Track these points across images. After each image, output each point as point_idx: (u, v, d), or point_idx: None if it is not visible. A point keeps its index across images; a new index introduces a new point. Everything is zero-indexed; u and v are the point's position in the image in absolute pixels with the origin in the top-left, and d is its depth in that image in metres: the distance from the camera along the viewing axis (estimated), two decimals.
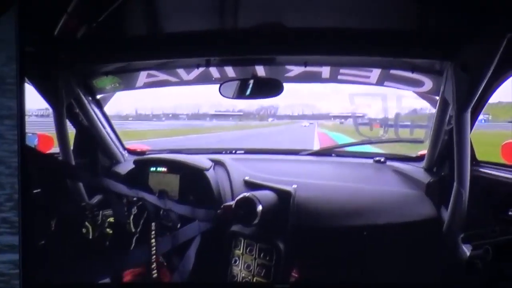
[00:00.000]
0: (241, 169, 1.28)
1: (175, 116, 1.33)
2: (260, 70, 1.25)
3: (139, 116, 1.32)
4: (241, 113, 1.38)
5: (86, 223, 1.20)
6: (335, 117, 1.34)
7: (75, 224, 1.19)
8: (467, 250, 1.13)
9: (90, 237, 1.19)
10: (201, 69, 1.24)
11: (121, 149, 1.29)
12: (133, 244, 1.21)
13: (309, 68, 1.24)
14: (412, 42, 1.18)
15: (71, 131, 1.25)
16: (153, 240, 1.19)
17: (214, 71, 1.25)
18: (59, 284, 1.15)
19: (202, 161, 1.28)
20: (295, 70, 1.25)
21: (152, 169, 1.26)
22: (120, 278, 1.21)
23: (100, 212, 1.21)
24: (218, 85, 1.25)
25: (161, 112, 1.33)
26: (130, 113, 1.32)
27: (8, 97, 1.09)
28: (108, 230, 1.22)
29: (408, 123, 1.28)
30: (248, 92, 1.25)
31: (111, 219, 1.22)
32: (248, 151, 1.33)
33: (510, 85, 1.19)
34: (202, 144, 1.35)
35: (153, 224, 1.20)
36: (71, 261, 1.18)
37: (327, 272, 1.22)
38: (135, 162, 1.29)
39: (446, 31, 1.16)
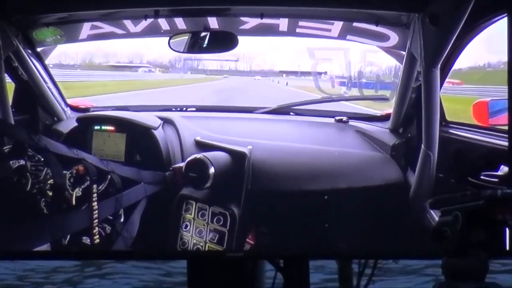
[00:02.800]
0: (192, 128, 1.20)
1: (119, 69, 1.24)
2: (213, 22, 1.17)
3: (82, 68, 1.23)
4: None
5: (27, 174, 1.11)
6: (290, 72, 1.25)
7: (14, 169, 1.11)
8: (435, 216, 1.06)
9: (27, 189, 1.11)
10: (149, 21, 1.16)
11: (63, 105, 1.20)
12: (73, 208, 1.13)
13: (265, 20, 1.16)
14: None
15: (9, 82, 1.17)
16: (94, 204, 1.12)
17: (163, 23, 1.17)
18: None
19: (149, 119, 1.20)
20: (251, 22, 1.17)
21: (96, 127, 1.18)
22: (59, 244, 1.13)
23: (45, 169, 1.13)
24: (168, 38, 1.17)
25: (105, 64, 1.24)
26: (73, 65, 1.23)
27: None
28: (48, 191, 1.14)
29: (373, 79, 1.20)
30: (199, 45, 1.17)
31: (52, 181, 1.14)
32: (200, 109, 1.25)
33: None
34: (151, 100, 1.26)
35: (94, 186, 1.13)
36: (4, 225, 1.11)
37: (284, 239, 1.16)
38: (78, 120, 1.21)
39: None
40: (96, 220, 1.12)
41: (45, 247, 1.13)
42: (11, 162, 1.11)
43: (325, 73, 1.19)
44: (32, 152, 1.12)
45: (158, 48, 1.21)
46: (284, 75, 1.24)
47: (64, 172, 1.13)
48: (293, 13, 1.17)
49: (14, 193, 1.12)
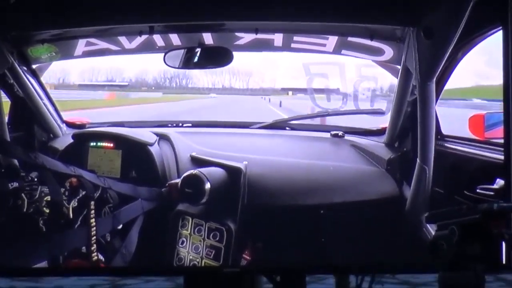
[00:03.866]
0: (188, 144, 1.21)
1: (116, 86, 1.25)
2: (208, 38, 1.17)
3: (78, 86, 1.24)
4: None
5: (22, 195, 1.12)
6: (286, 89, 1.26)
7: (9, 192, 1.11)
8: (431, 230, 1.06)
9: (24, 210, 1.11)
10: (144, 37, 1.16)
11: (59, 121, 1.21)
12: (71, 225, 1.13)
13: (260, 36, 1.16)
14: (371, 7, 1.11)
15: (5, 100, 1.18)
16: (92, 221, 1.13)
17: (158, 39, 1.17)
18: None
19: (145, 135, 1.20)
20: (246, 37, 1.17)
21: (92, 144, 1.18)
22: (57, 262, 1.14)
23: (40, 187, 1.14)
24: (163, 54, 1.17)
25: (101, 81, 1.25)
26: (68, 82, 1.24)
27: None
28: (44, 208, 1.14)
29: (368, 94, 1.20)
30: (194, 61, 1.17)
31: (49, 198, 1.14)
32: (196, 124, 1.26)
33: None
34: (146, 116, 1.27)
35: (92, 203, 1.13)
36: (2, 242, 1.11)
37: (280, 254, 1.16)
38: (73, 136, 1.21)
39: None
40: (94, 237, 1.12)
41: (44, 264, 1.13)
42: (5, 185, 1.11)
43: (321, 89, 1.19)
44: (25, 172, 1.13)
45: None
46: (290, 92, 1.24)
47: (61, 189, 1.14)
48: (288, 28, 1.17)
49: (11, 215, 1.13)
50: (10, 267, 1.13)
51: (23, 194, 1.11)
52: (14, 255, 1.12)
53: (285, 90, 1.25)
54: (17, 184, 1.11)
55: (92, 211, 1.13)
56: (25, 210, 1.11)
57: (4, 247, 1.11)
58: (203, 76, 1.26)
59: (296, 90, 1.25)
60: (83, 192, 1.14)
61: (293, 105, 1.27)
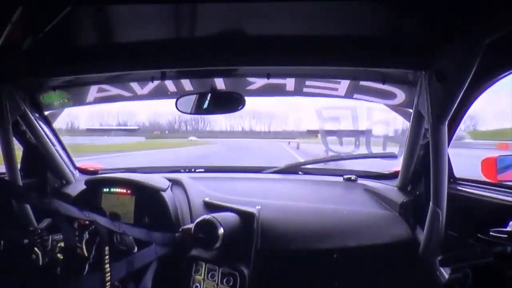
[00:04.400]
0: (201, 189, 1.20)
1: (127, 132, 1.25)
2: (220, 83, 1.16)
3: (90, 132, 1.24)
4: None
5: (35, 248, 1.12)
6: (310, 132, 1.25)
7: (23, 250, 1.11)
8: (445, 273, 1.06)
9: (40, 263, 1.11)
10: (156, 83, 1.16)
11: (71, 168, 1.21)
12: (85, 270, 1.13)
13: (272, 80, 1.15)
14: (383, 51, 1.09)
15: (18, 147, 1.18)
16: (107, 266, 1.12)
17: (170, 85, 1.17)
18: None
19: (158, 180, 1.20)
20: (258, 82, 1.17)
21: (105, 189, 1.18)
22: None
23: (50, 236, 1.14)
24: (175, 100, 1.17)
25: (112, 127, 1.24)
26: (81, 128, 1.24)
27: None
28: (59, 255, 1.14)
29: (381, 137, 1.19)
30: (207, 107, 1.16)
31: (62, 244, 1.14)
32: (208, 169, 1.25)
33: None
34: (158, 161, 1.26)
35: (106, 248, 1.13)
36: None
37: None
38: (86, 182, 1.21)
39: (419, 38, 1.08)
40: (109, 283, 1.12)
41: None
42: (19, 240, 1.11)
43: (333, 132, 1.18)
44: (36, 223, 1.12)
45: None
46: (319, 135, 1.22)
47: (75, 233, 1.14)
48: (300, 72, 1.16)
49: (27, 256, 1.12)
50: None
51: (36, 248, 1.10)
52: None
53: (312, 133, 1.25)
54: (28, 240, 1.10)
55: (107, 257, 1.13)
56: (41, 263, 1.10)
57: None
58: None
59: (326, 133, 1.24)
60: (98, 237, 1.14)
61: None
